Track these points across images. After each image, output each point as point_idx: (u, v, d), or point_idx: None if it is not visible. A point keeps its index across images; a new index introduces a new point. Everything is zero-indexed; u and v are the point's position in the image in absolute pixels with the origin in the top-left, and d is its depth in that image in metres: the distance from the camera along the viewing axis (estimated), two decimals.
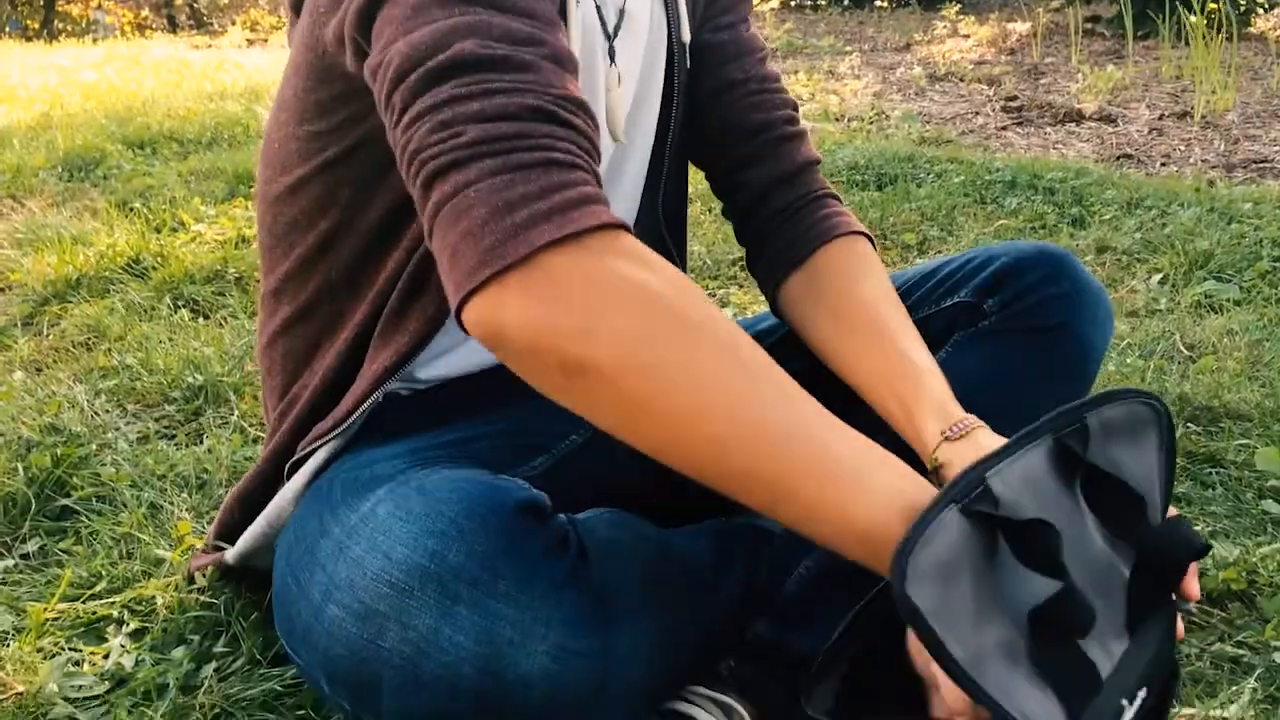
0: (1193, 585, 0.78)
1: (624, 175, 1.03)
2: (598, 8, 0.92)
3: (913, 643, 0.69)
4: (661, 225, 1.09)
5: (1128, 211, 2.63)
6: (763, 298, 2.17)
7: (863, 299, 0.97)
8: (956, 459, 0.82)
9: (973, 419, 0.85)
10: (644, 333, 0.64)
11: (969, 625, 0.64)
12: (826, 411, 0.68)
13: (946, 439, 0.84)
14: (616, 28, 0.95)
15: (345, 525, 0.74)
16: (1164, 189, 2.80)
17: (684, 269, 1.14)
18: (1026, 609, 0.67)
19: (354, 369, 0.93)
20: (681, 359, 0.64)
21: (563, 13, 0.82)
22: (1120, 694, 0.69)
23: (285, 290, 0.98)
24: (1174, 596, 0.78)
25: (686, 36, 1.02)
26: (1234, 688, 1.02)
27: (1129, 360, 1.79)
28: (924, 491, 0.67)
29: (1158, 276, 2.20)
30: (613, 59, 0.94)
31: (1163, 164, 3.36)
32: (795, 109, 1.09)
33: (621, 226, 0.68)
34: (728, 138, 1.06)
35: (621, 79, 0.95)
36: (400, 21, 0.70)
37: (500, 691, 0.69)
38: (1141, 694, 0.70)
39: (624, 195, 1.04)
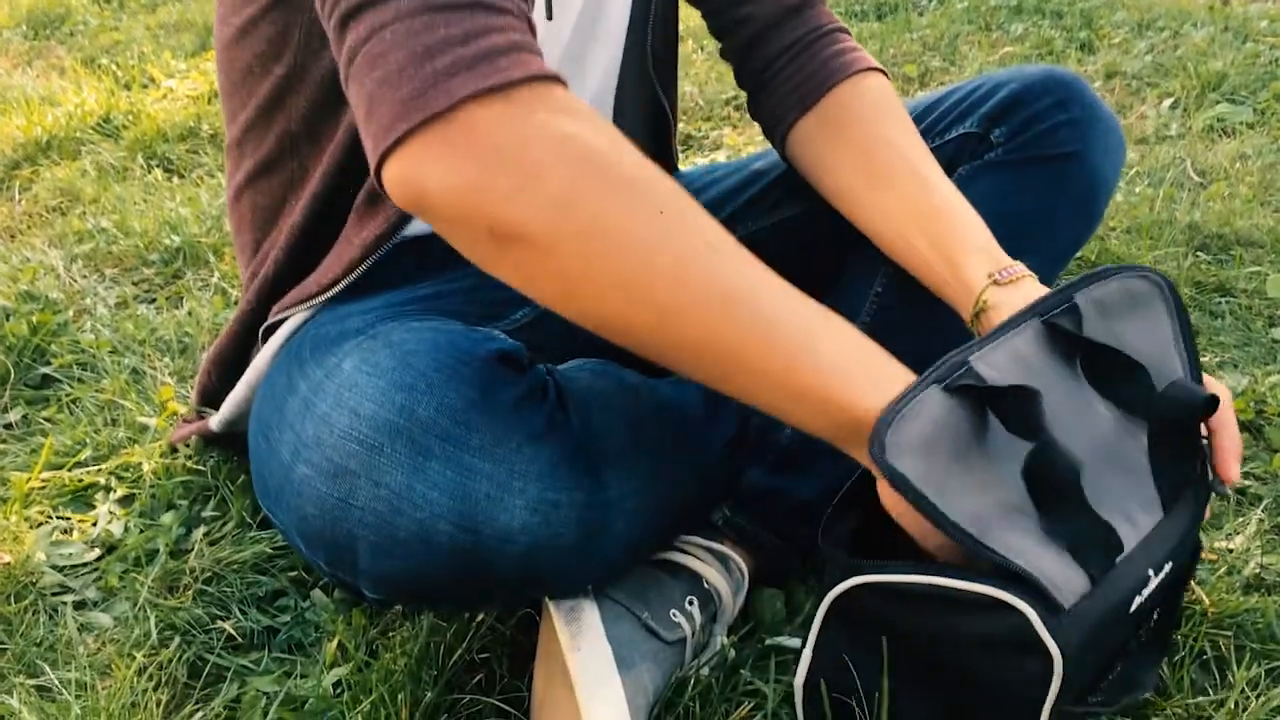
0: (1228, 466, 0.75)
1: (607, 17, 0.96)
2: None
3: (906, 515, 0.66)
4: (651, 70, 1.01)
5: (1138, 33, 2.51)
6: (757, 139, 2.10)
7: (885, 138, 0.91)
8: (1005, 304, 0.78)
9: (1021, 266, 0.82)
10: (580, 194, 0.59)
11: (963, 494, 0.61)
12: (779, 277, 0.65)
13: (995, 283, 0.80)
14: None
15: (312, 381, 0.70)
16: (1176, 8, 2.67)
17: (673, 114, 1.07)
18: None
19: (322, 226, 0.88)
20: (621, 223, 0.59)
21: None
22: (1147, 564, 0.68)
23: (247, 141, 0.92)
24: (1210, 476, 0.76)
25: None
26: (1240, 519, 1.01)
27: (1138, 189, 1.73)
28: (889, 362, 0.65)
29: (1168, 101, 2.11)
30: None
31: None
32: None
33: (554, 78, 0.62)
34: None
35: None
36: None
37: (479, 547, 0.67)
38: (1167, 568, 0.69)
39: (608, 38, 0.97)
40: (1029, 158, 0.96)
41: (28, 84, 2.64)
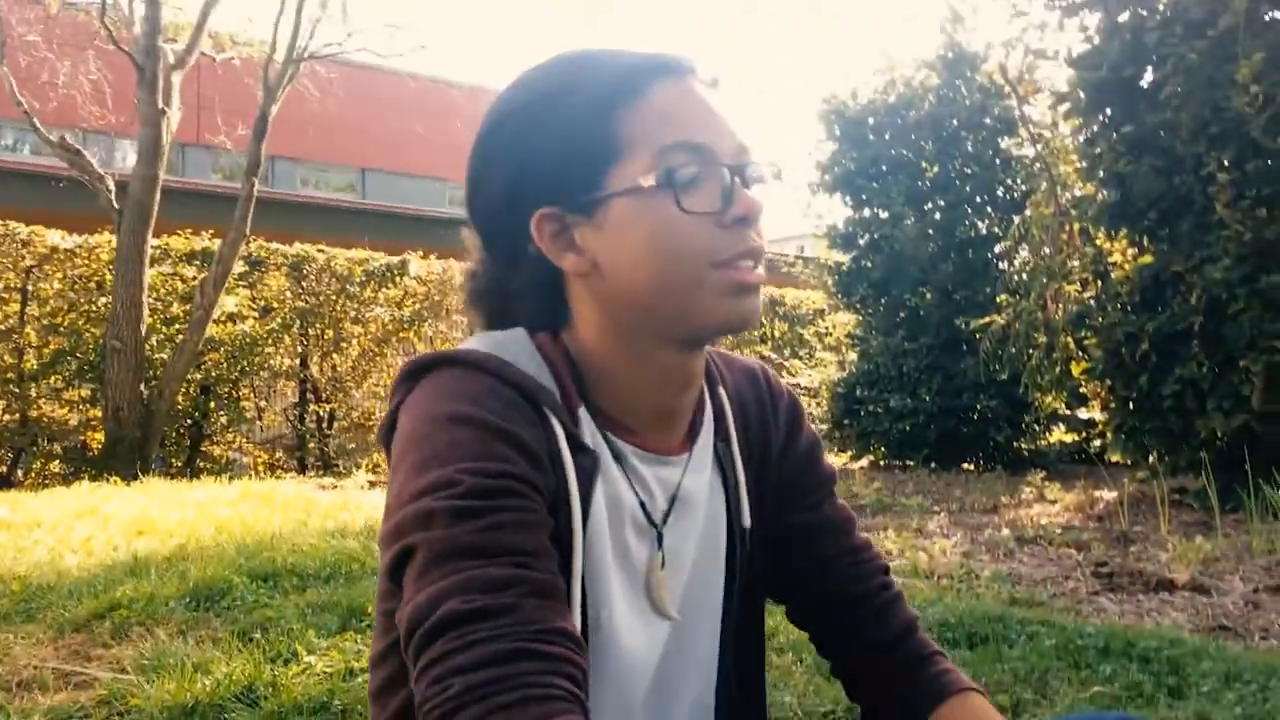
0: None
1: (695, 644, 1.10)
2: (641, 503, 1.01)
3: None
4: (733, 686, 1.15)
5: (1226, 684, 2.60)
6: None
7: None
8: None
9: None
10: None
11: None
12: None
13: None
14: (667, 513, 1.04)
15: None
16: (1263, 663, 2.77)
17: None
18: None
19: None
20: None
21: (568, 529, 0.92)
22: None
23: None
24: None
25: (747, 522, 1.10)
26: None
27: None
28: None
29: None
30: (660, 544, 1.03)
31: (1261, 637, 3.33)
32: (887, 572, 1.20)
33: None
34: (829, 610, 1.16)
35: (666, 561, 1.03)
36: (412, 582, 0.82)
37: None
38: None
39: (697, 664, 1.10)
40: None
41: (185, 651, 2.91)
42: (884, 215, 9.77)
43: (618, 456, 1.01)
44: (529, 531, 0.85)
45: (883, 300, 9.80)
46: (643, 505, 1.02)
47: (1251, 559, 4.57)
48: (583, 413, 1.00)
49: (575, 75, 0.98)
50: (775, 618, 2.55)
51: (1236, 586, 4.03)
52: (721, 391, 1.13)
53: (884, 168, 9.84)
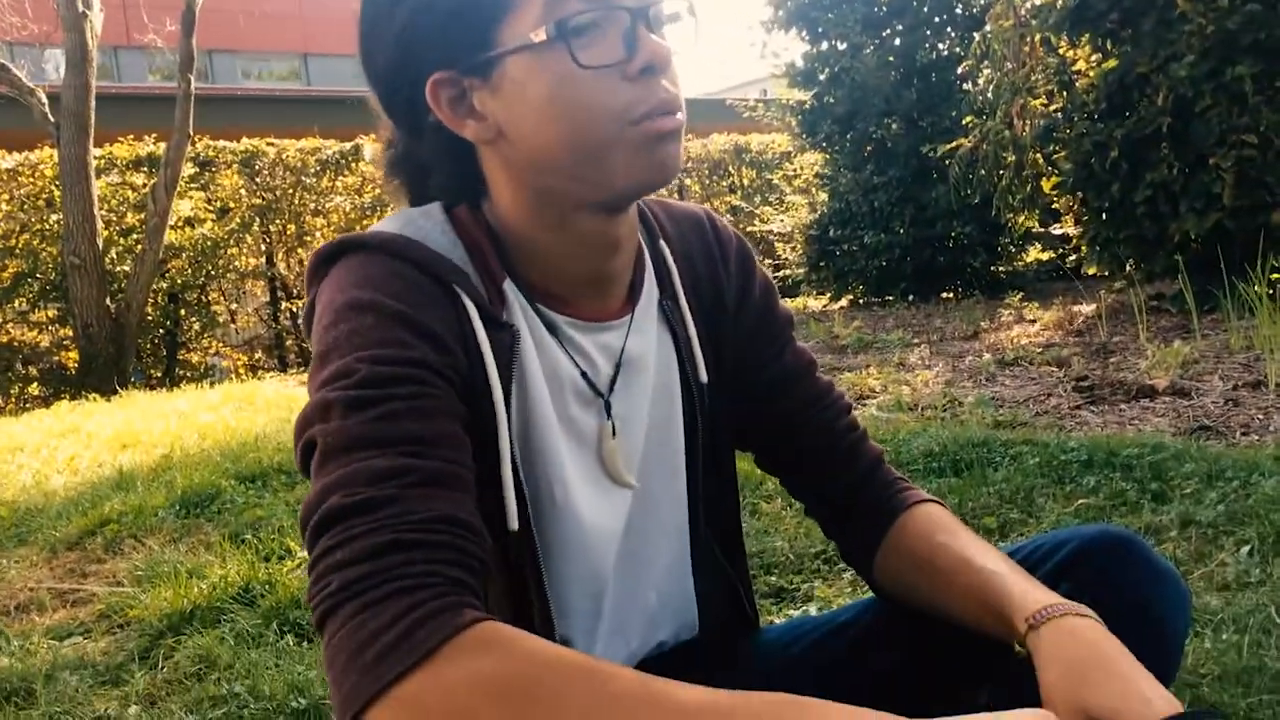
0: None
1: (660, 507, 1.08)
2: (583, 373, 0.98)
3: None
4: (714, 545, 1.14)
5: (1208, 484, 2.63)
6: (846, 590, 2.21)
7: (940, 541, 1.03)
8: (1041, 645, 0.87)
9: (1061, 605, 0.89)
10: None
11: None
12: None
13: (1031, 627, 0.89)
14: (613, 380, 1.01)
15: None
16: (1244, 459, 2.80)
17: (745, 580, 1.19)
18: None
19: None
20: None
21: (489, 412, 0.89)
22: None
23: None
24: None
25: (704, 377, 1.07)
26: None
27: (1224, 636, 1.76)
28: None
29: (1245, 549, 2.18)
30: (609, 413, 1.00)
31: (1242, 434, 3.37)
32: (850, 411, 1.17)
33: (473, 620, 0.71)
34: (799, 458, 1.14)
35: (617, 430, 1.01)
36: (313, 476, 0.80)
37: None
38: None
39: (665, 527, 1.09)
40: (1098, 613, 0.96)
41: (178, 559, 2.92)
42: (842, 47, 9.52)
43: (551, 328, 0.97)
44: (426, 418, 0.82)
45: (848, 135, 9.63)
46: (585, 375, 0.99)
47: (1230, 357, 4.60)
48: (509, 287, 0.95)
49: None
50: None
51: (1216, 386, 4.07)
52: (664, 245, 1.07)
53: None
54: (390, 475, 0.77)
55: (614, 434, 1.01)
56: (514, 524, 0.91)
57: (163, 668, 2.16)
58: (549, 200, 0.93)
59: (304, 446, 0.83)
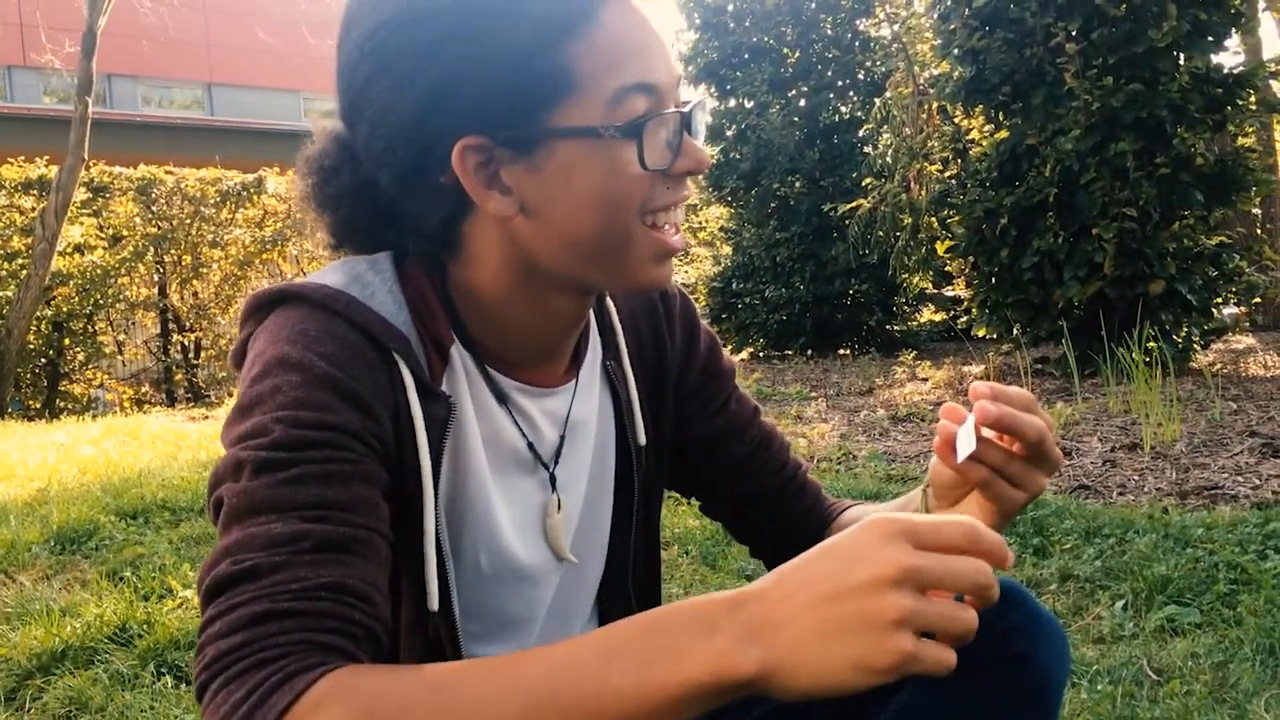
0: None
1: (585, 569, 1.07)
2: (529, 443, 0.96)
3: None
4: (631, 598, 1.13)
5: (1087, 540, 2.73)
6: None
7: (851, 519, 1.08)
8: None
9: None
10: None
11: None
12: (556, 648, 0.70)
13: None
14: (558, 449, 0.99)
15: None
16: (1120, 517, 2.92)
17: None
18: None
19: None
20: None
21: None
22: None
23: None
24: None
25: (642, 440, 1.06)
26: None
27: (1099, 687, 1.82)
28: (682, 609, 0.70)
29: (1120, 603, 2.27)
30: (554, 486, 0.99)
31: (1119, 493, 3.51)
32: (789, 449, 1.19)
33: (320, 676, 0.70)
34: (748, 505, 1.16)
35: (563, 504, 1.00)
36: (219, 533, 0.78)
37: None
38: None
39: (588, 588, 1.09)
40: (980, 661, 0.95)
41: (50, 596, 2.79)
42: (749, 104, 9.76)
43: (500, 395, 0.95)
44: (338, 483, 0.79)
45: (753, 191, 9.84)
46: (531, 446, 0.97)
47: (1109, 419, 4.80)
48: (456, 350, 0.93)
49: None
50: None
51: (1095, 447, 4.23)
52: (610, 305, 1.07)
53: (746, 56, 9.80)
54: (285, 541, 0.75)
55: (559, 508, 1.00)
56: (434, 604, 0.89)
57: (30, 709, 2.06)
58: (541, 279, 0.91)
59: (214, 503, 0.81)
